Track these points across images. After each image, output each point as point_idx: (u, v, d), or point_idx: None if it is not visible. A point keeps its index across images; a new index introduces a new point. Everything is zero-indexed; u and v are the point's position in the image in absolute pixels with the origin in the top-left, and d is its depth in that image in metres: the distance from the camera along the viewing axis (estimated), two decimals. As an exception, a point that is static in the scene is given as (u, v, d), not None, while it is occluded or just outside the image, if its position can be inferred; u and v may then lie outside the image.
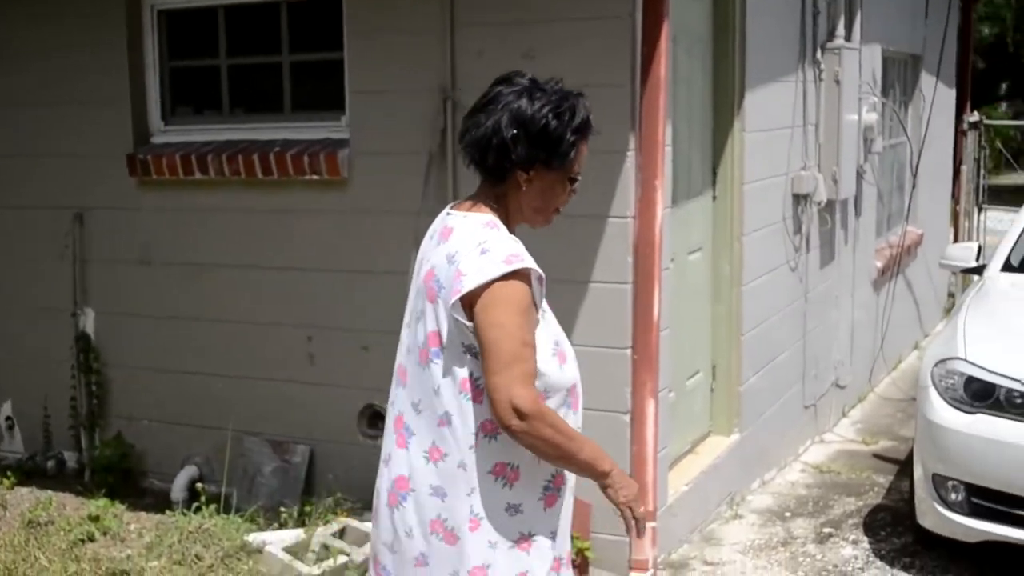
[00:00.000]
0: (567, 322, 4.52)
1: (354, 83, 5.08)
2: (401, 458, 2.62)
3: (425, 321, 2.60)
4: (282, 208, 5.29)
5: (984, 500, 4.63)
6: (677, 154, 4.94)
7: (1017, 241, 6.11)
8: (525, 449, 2.49)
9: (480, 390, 2.52)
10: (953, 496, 4.71)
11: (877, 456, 6.55)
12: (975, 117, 11.23)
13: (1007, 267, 5.97)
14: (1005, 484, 4.56)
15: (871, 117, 7.03)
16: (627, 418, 4.54)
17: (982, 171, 11.54)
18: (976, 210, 11.38)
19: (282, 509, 5.13)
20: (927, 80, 8.97)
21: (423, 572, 2.60)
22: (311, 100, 5.37)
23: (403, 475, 2.61)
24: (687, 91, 5.14)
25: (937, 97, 9.27)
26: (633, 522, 2.62)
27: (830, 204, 6.52)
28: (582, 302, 4.56)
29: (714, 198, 5.50)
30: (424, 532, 2.58)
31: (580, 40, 4.52)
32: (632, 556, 4.59)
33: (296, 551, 4.67)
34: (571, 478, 2.67)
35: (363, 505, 5.04)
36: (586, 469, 2.56)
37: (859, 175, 7.08)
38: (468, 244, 2.55)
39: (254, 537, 4.87)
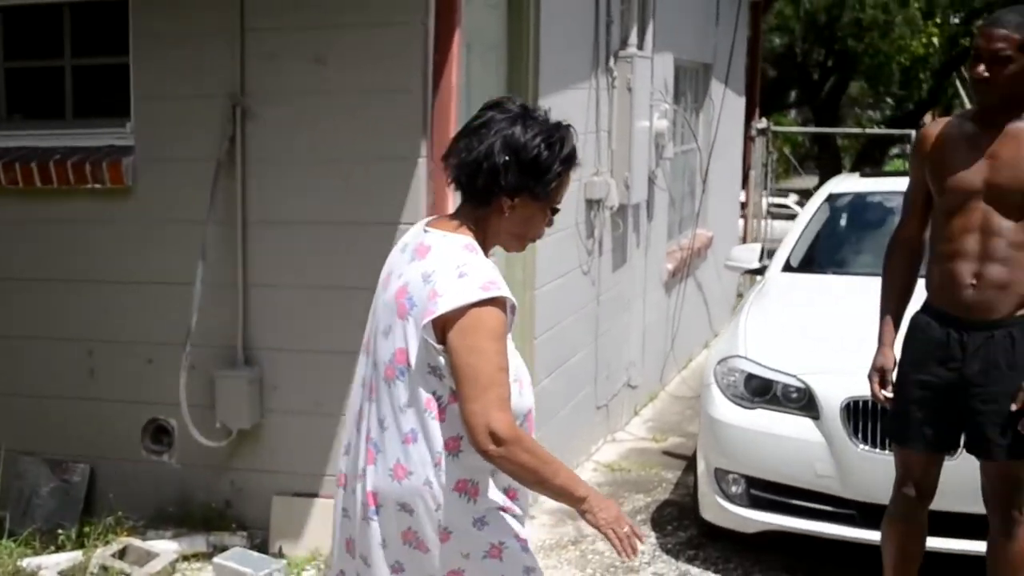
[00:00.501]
0: (358, 330, 4.54)
1: (140, 88, 4.96)
2: (371, 474, 2.65)
3: (393, 337, 2.61)
4: (64, 218, 5.11)
5: (763, 492, 4.85)
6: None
7: (796, 242, 6.40)
8: (485, 465, 2.55)
9: (443, 409, 2.56)
10: (734, 489, 4.91)
11: (666, 453, 6.78)
12: (763, 123, 11.72)
13: (787, 267, 6.25)
14: (782, 476, 4.79)
15: (662, 124, 7.26)
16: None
17: (770, 176, 12.06)
18: (765, 213, 11.89)
19: (60, 531, 4.87)
20: (717, 88, 9.32)
21: None
22: (95, 106, 5.20)
23: (371, 491, 2.64)
24: (481, 98, 5.20)
25: (727, 104, 9.64)
26: (621, 542, 2.61)
27: (622, 209, 6.71)
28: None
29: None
30: (398, 542, 2.63)
31: (372, 45, 4.54)
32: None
33: (73, 574, 4.51)
34: None
35: (146, 523, 4.93)
36: (562, 494, 2.59)
37: (651, 180, 7.30)
38: (446, 265, 2.56)
39: (28, 562, 4.62)
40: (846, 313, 5.31)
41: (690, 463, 6.26)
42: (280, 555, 4.80)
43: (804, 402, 4.77)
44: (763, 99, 13.72)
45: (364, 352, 2.75)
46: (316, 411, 4.79)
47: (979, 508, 4.01)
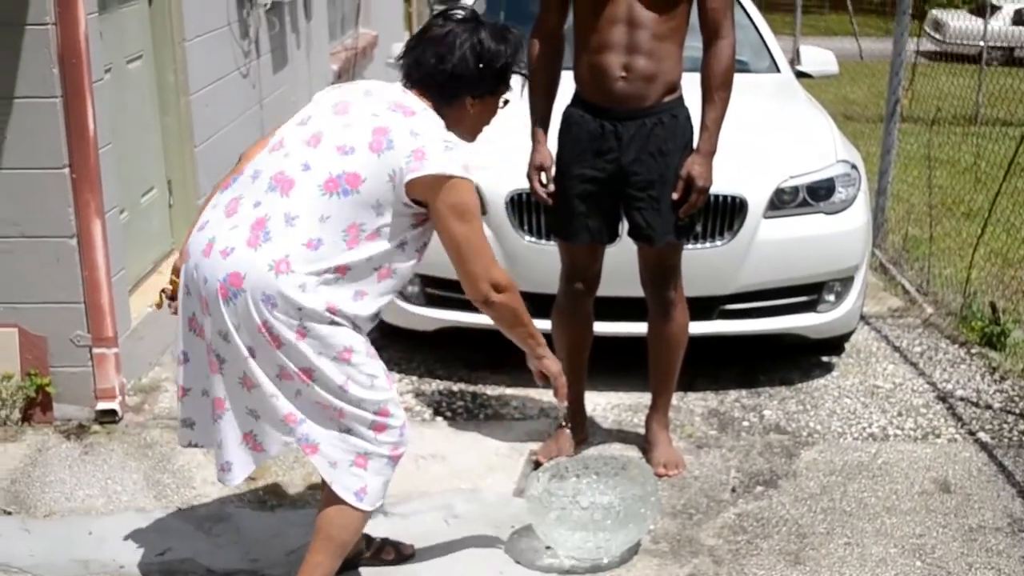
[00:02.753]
0: (-8, 145, 4.16)
1: None
2: (244, 257, 2.74)
3: (352, 159, 2.78)
4: None
5: (437, 289, 4.86)
6: (104, -46, 4.57)
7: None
8: (359, 305, 2.85)
9: (356, 238, 2.78)
10: (410, 289, 4.90)
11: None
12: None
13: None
14: (449, 272, 4.74)
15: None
16: (74, 242, 4.26)
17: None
18: (429, 10, 11.73)
19: None
20: None
21: (252, 364, 2.80)
22: None
23: (239, 272, 2.74)
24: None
25: None
26: (559, 390, 3.26)
27: (277, 6, 6.40)
28: (8, 120, 4.14)
29: (150, 2, 5.18)
30: (251, 330, 2.76)
31: None
32: (97, 386, 4.40)
33: None
34: None
35: None
36: (531, 338, 3.16)
37: (307, -24, 6.99)
38: (433, 133, 2.83)
39: None
40: (507, 110, 5.28)
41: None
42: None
43: (473, 198, 4.76)
44: None
45: (271, 150, 2.90)
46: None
47: (639, 292, 4.17)
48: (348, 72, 8.26)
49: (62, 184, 4.20)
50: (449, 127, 2.92)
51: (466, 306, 4.81)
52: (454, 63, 2.89)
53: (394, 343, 5.21)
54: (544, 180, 3.99)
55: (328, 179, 2.79)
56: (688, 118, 3.93)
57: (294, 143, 2.88)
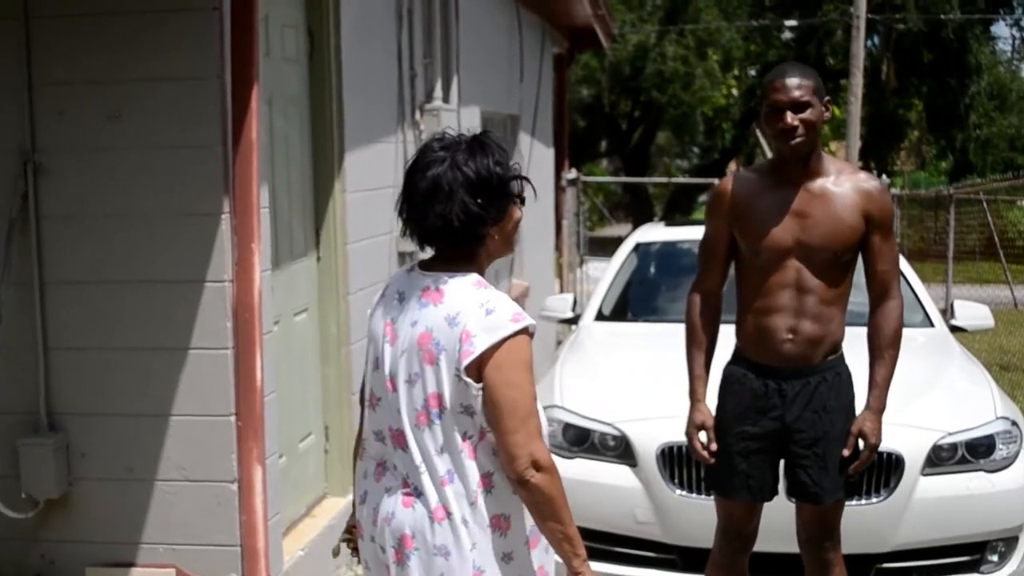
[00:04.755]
0: (170, 391, 4.38)
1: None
2: (406, 518, 2.69)
3: (424, 384, 2.66)
4: None
5: (586, 540, 4.78)
6: (277, 216, 4.90)
7: (608, 291, 6.48)
8: (515, 499, 2.66)
9: (475, 448, 2.65)
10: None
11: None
12: (573, 174, 11.93)
13: (599, 316, 6.31)
14: (604, 524, 4.78)
15: (472, 176, 7.26)
16: (235, 487, 4.41)
17: (581, 225, 12.24)
18: (579, 261, 12.05)
19: None
20: (525, 139, 9.43)
21: None
22: None
23: (407, 535, 2.69)
24: (285, 154, 5.12)
25: (536, 155, 9.76)
26: None
27: (435, 261, 6.67)
28: (182, 370, 4.39)
29: (318, 259, 5.49)
30: None
31: (168, 100, 4.38)
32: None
33: None
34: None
35: None
36: (567, 542, 2.70)
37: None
38: (469, 305, 2.63)
39: None
40: (658, 359, 5.37)
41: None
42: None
43: (621, 450, 4.79)
44: (574, 149, 13.98)
45: (371, 407, 2.80)
46: (128, 477, 4.56)
47: (794, 548, 4.08)
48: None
49: (227, 431, 4.38)
50: (484, 263, 2.74)
51: (616, 557, 4.79)
52: (454, 214, 2.62)
53: None
54: (704, 440, 3.99)
55: (418, 416, 2.68)
56: (850, 375, 3.94)
57: (384, 390, 2.76)
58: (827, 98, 3.79)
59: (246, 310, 4.35)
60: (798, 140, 3.72)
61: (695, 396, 4.00)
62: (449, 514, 2.66)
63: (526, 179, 2.77)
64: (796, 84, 3.72)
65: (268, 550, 4.50)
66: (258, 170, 4.39)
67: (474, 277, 2.69)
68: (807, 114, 3.70)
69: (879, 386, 3.84)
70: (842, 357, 3.93)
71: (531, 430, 2.61)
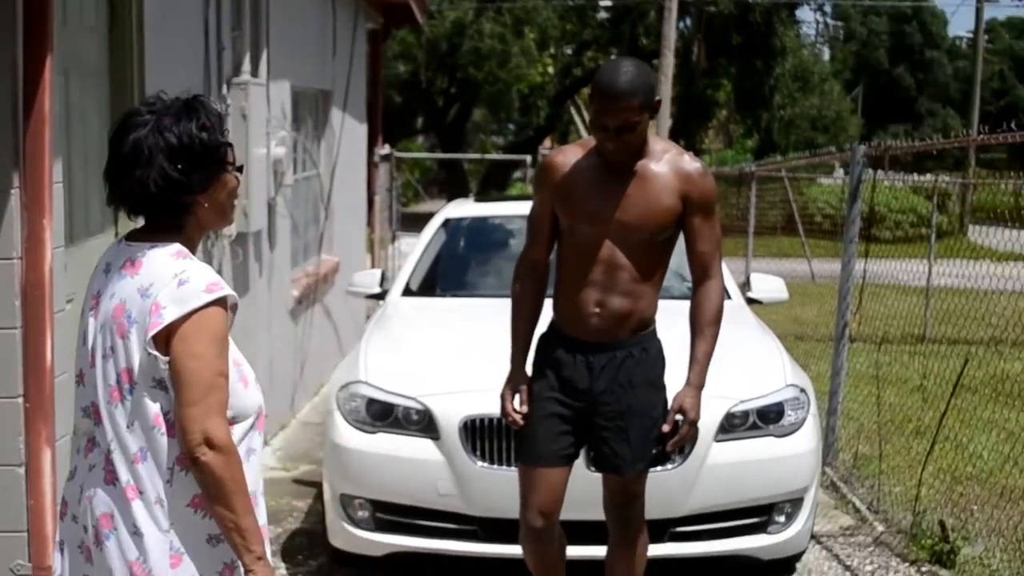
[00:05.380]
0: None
1: None
2: (105, 496, 2.57)
3: (117, 358, 2.55)
4: None
5: (388, 514, 4.88)
6: (72, 191, 4.75)
7: (416, 267, 6.51)
8: None
9: (171, 425, 2.51)
10: (360, 514, 4.92)
11: (297, 481, 6.72)
12: (386, 150, 11.90)
13: (407, 292, 6.34)
14: (406, 497, 4.83)
15: (280, 151, 7.20)
16: (22, 470, 4.27)
17: (394, 200, 12.24)
18: (391, 237, 12.05)
19: None
20: (337, 115, 9.36)
21: None
22: None
23: (107, 513, 2.56)
24: (82, 127, 4.96)
25: (348, 131, 9.70)
26: None
27: (241, 237, 6.59)
28: (-32, 351, 4.24)
29: (116, 235, 5.35)
30: (125, 573, 2.55)
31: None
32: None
33: None
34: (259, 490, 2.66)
35: None
36: (238, 533, 2.49)
37: (271, 207, 7.22)
38: (164, 275, 2.51)
39: None
40: (464, 334, 5.44)
41: (321, 491, 6.20)
42: None
43: (424, 424, 4.84)
44: (389, 125, 13.93)
45: (79, 382, 2.68)
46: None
47: (599, 516, 4.17)
48: (309, 297, 8.44)
49: (15, 413, 4.24)
50: (195, 233, 2.63)
51: (417, 530, 4.88)
52: (154, 181, 2.50)
53: (344, 568, 5.19)
54: (518, 403, 4.02)
55: (111, 391, 2.56)
56: (660, 350, 4.02)
57: (87, 364, 2.64)
58: (657, 98, 3.79)
59: (36, 288, 4.21)
60: (619, 152, 3.79)
61: (514, 359, 4.06)
62: (141, 493, 2.54)
63: (230, 145, 2.64)
64: (624, 107, 3.66)
65: (55, 535, 4.38)
66: (51, 144, 4.25)
67: (175, 247, 2.56)
68: (633, 133, 3.73)
69: (699, 362, 3.91)
70: (653, 332, 4.00)
71: (210, 405, 2.46)
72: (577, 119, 38.05)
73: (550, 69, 31.02)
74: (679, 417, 3.90)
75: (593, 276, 3.87)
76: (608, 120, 3.71)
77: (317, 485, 6.39)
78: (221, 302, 2.52)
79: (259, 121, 6.75)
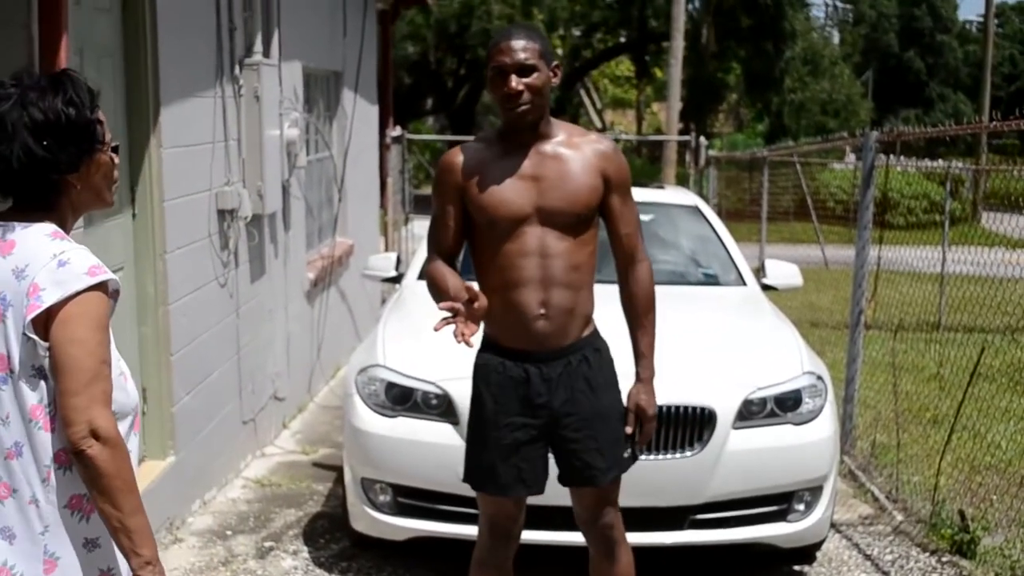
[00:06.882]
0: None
1: None
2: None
3: None
4: None
5: (409, 499, 4.86)
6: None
7: (432, 250, 6.45)
8: None
9: (52, 418, 2.35)
10: (381, 498, 4.90)
11: (317, 465, 6.70)
12: (397, 132, 11.84)
13: (422, 276, 6.29)
14: (426, 482, 4.81)
15: (293, 132, 7.16)
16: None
17: (407, 183, 12.18)
18: (404, 219, 12.00)
19: None
20: (348, 96, 9.31)
21: None
22: None
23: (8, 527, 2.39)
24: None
25: (360, 112, 9.65)
26: None
27: (257, 219, 6.56)
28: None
29: (134, 216, 5.33)
30: None
31: (-30, 51, 4.18)
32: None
33: None
34: None
35: None
36: (124, 534, 2.33)
37: (285, 189, 7.19)
38: (41, 256, 2.35)
39: None
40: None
41: (341, 474, 6.19)
42: None
43: (444, 408, 4.81)
44: (399, 107, 13.86)
45: None
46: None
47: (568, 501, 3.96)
48: (324, 280, 8.42)
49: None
50: (70, 215, 2.48)
51: (438, 515, 4.86)
52: (16, 157, 2.36)
53: (365, 552, 5.19)
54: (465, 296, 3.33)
55: None
56: (608, 349, 3.79)
57: None
58: (556, 63, 3.61)
59: (56, 270, 4.19)
60: (523, 107, 3.52)
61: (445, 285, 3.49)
62: (14, 491, 2.37)
63: (100, 122, 2.45)
64: (521, 46, 3.50)
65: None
66: (68, 124, 4.22)
67: (49, 227, 2.41)
68: (532, 78, 3.50)
69: (645, 355, 3.73)
70: (597, 331, 3.78)
71: (94, 394, 2.30)
72: (587, 101, 37.92)
73: (559, 50, 30.92)
74: (641, 415, 3.71)
75: (528, 272, 3.57)
76: (505, 58, 3.49)
77: (337, 469, 6.40)
78: (103, 287, 2.37)
79: (272, 102, 6.72)
